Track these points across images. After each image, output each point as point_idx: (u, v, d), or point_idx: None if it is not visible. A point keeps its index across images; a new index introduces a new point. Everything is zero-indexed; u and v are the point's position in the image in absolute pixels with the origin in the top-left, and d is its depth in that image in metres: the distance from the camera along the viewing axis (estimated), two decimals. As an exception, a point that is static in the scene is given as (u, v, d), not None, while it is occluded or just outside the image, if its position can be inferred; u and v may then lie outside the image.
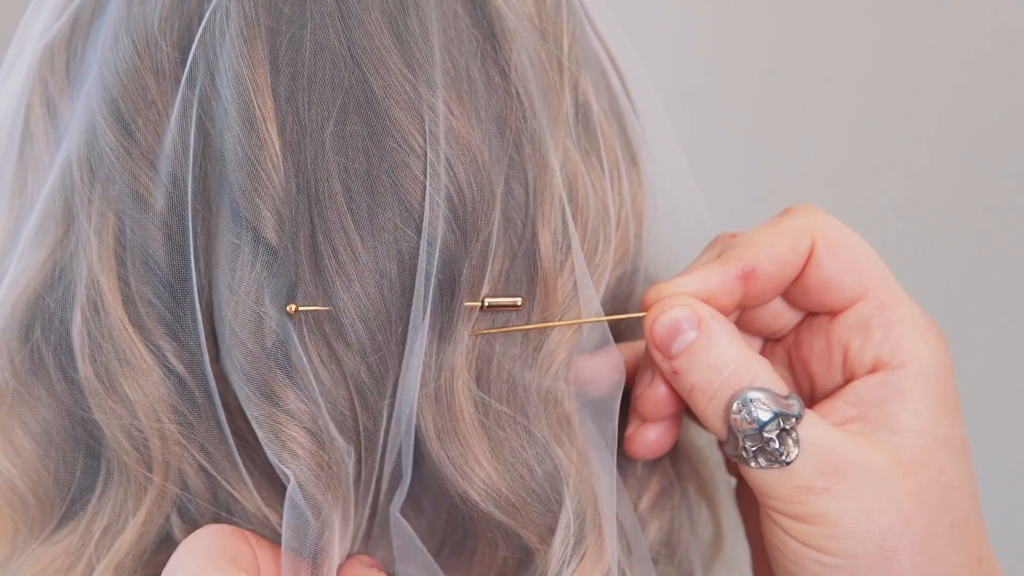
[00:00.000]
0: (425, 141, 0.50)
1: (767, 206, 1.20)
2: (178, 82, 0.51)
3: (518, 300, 0.53)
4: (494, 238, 0.52)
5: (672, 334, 0.53)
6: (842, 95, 1.21)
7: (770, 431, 0.52)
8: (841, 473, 0.52)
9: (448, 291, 0.51)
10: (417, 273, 0.50)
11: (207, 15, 0.51)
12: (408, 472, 0.52)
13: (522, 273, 0.54)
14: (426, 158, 0.50)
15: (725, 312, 0.55)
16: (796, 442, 0.52)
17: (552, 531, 0.53)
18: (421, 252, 0.50)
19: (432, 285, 0.50)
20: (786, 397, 0.52)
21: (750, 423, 0.52)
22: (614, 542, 0.54)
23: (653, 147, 0.60)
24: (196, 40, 0.51)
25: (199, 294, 0.51)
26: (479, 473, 0.52)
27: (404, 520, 0.52)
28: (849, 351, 0.55)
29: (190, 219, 0.51)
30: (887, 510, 0.51)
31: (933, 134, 1.21)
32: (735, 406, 0.52)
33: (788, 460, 0.51)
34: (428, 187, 0.50)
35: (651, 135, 0.60)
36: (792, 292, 0.57)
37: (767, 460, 0.52)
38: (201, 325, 0.51)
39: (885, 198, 1.23)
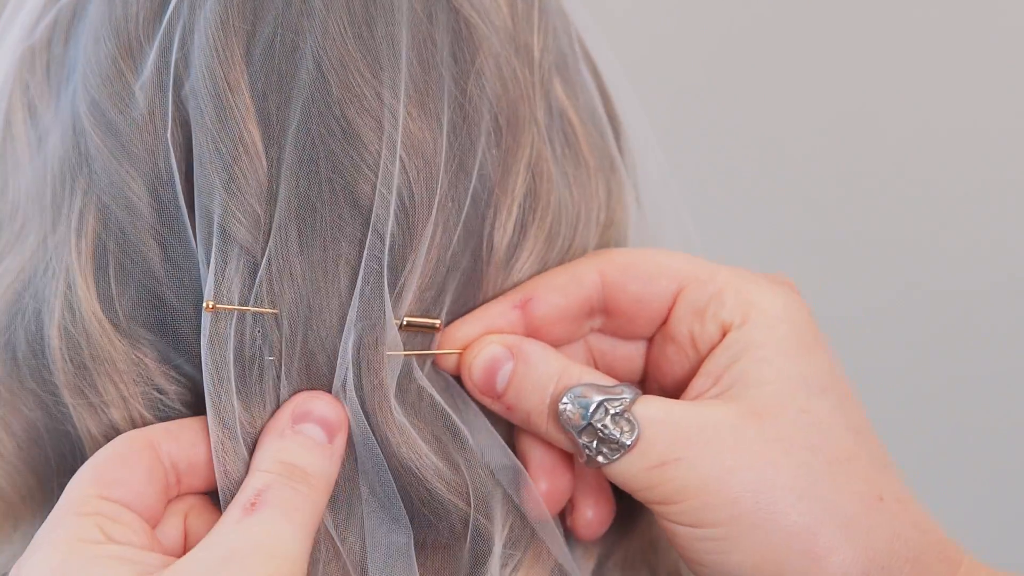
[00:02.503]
0: (380, 142, 0.51)
1: (758, 207, 1.21)
2: (161, 84, 0.52)
3: (436, 321, 0.53)
4: (425, 243, 0.52)
5: (491, 373, 0.53)
6: (836, 95, 1.21)
7: (599, 419, 0.51)
8: (691, 440, 0.50)
9: (390, 293, 0.51)
10: (361, 271, 0.50)
11: (185, 15, 0.52)
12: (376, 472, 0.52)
13: (468, 279, 0.54)
14: (380, 159, 0.50)
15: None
16: (632, 423, 0.50)
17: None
18: (366, 252, 0.50)
19: (377, 285, 0.51)
20: (613, 386, 0.52)
21: (577, 415, 0.51)
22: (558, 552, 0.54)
23: (635, 157, 0.60)
24: (175, 40, 0.52)
25: (180, 294, 0.52)
26: (426, 462, 0.52)
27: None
28: (695, 337, 0.54)
29: (173, 220, 0.52)
30: (751, 463, 0.49)
31: (927, 134, 1.21)
32: (560, 408, 0.52)
33: (628, 442, 0.50)
34: (379, 187, 0.50)
35: (633, 145, 0.60)
36: (622, 325, 0.56)
37: (610, 450, 0.51)
38: (181, 328, 0.52)
39: (878, 198, 1.23)
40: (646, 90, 0.63)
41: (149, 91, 0.52)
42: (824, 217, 1.24)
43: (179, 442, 0.51)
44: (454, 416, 0.53)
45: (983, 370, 1.25)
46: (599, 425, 0.51)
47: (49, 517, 0.48)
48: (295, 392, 0.51)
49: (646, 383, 0.58)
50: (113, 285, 0.53)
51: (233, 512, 0.48)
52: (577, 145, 0.57)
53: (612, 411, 0.51)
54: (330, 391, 0.51)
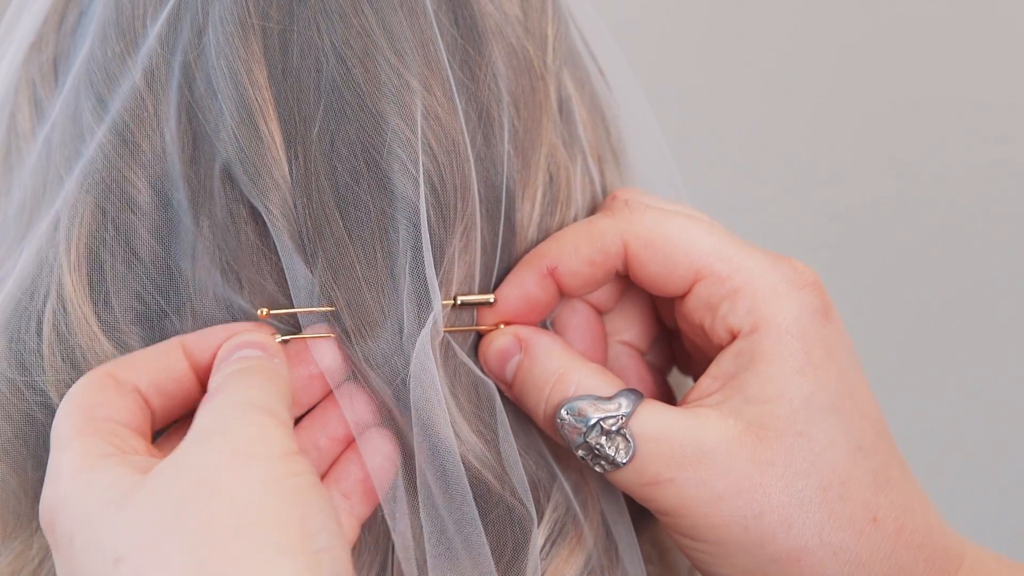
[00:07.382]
0: (411, 130, 0.51)
1: (760, 204, 1.21)
2: (169, 80, 0.52)
3: (490, 297, 0.54)
4: (476, 228, 0.52)
5: (502, 362, 0.54)
6: (835, 94, 1.22)
7: (594, 437, 0.51)
8: (687, 461, 0.50)
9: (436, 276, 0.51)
10: (404, 257, 0.51)
11: (198, 13, 0.52)
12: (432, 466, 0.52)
13: (501, 265, 0.54)
14: (413, 146, 0.51)
15: (550, 307, 0.55)
16: (628, 440, 0.51)
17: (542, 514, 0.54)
18: (409, 238, 0.51)
19: (424, 273, 0.51)
20: (611, 398, 0.52)
21: (574, 432, 0.52)
22: (590, 541, 0.54)
23: (639, 151, 0.61)
24: (187, 38, 0.51)
25: (181, 291, 0.52)
26: (468, 443, 0.52)
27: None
28: (706, 330, 0.54)
29: (180, 218, 0.52)
30: (740, 489, 0.50)
31: (927, 133, 1.22)
32: (557, 423, 0.52)
33: (622, 461, 0.51)
34: (415, 174, 0.51)
35: (637, 138, 0.61)
36: (645, 287, 0.56)
37: (605, 465, 0.52)
38: (179, 326, 0.52)
39: (878, 196, 1.23)
40: (656, 83, 0.63)
41: (157, 87, 0.52)
42: (826, 217, 1.24)
43: (135, 368, 0.50)
44: (494, 389, 0.54)
45: (987, 369, 1.26)
46: (595, 444, 0.51)
47: (51, 458, 0.48)
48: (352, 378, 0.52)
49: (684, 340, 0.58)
50: (108, 283, 0.53)
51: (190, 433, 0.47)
52: (584, 136, 0.57)
53: (608, 428, 0.51)
54: (391, 378, 0.51)
